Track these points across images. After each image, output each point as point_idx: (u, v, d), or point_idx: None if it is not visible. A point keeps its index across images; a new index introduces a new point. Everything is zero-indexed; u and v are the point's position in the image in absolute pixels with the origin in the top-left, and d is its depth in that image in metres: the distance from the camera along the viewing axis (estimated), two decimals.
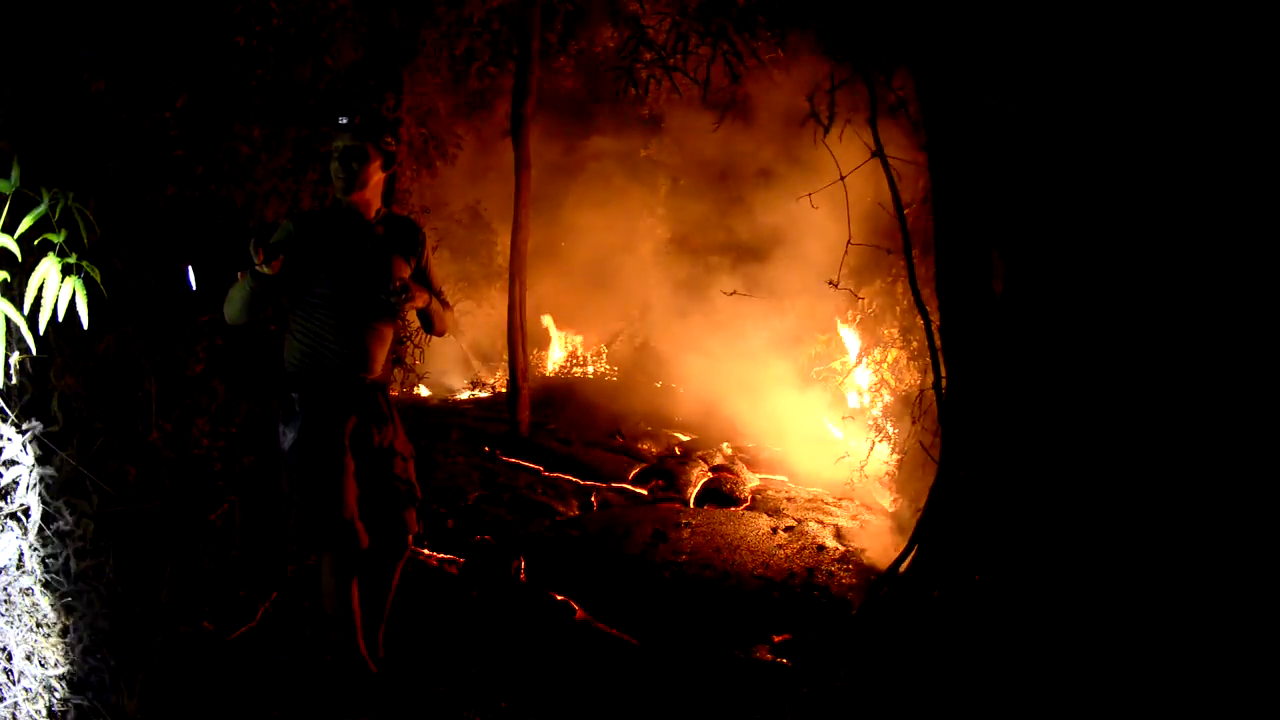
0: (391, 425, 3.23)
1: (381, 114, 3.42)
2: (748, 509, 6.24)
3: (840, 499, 6.45)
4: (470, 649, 3.73)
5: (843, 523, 5.84)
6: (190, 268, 2.93)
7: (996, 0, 3.80)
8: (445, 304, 3.36)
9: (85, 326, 2.68)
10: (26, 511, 2.79)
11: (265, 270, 2.77)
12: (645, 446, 7.72)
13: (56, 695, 2.49)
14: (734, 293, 5.81)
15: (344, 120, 2.96)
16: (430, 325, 3.32)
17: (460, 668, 3.54)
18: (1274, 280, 3.04)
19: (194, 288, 2.94)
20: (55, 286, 2.61)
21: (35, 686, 2.45)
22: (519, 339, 7.45)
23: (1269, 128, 3.05)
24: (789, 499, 6.44)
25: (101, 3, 3.32)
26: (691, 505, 6.37)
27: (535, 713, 3.28)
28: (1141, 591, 3.18)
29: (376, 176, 3.08)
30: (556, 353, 11.41)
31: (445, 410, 8.72)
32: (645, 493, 6.58)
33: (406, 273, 3.16)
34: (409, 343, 6.61)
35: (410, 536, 3.25)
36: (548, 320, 11.31)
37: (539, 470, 6.71)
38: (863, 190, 4.83)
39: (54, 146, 3.09)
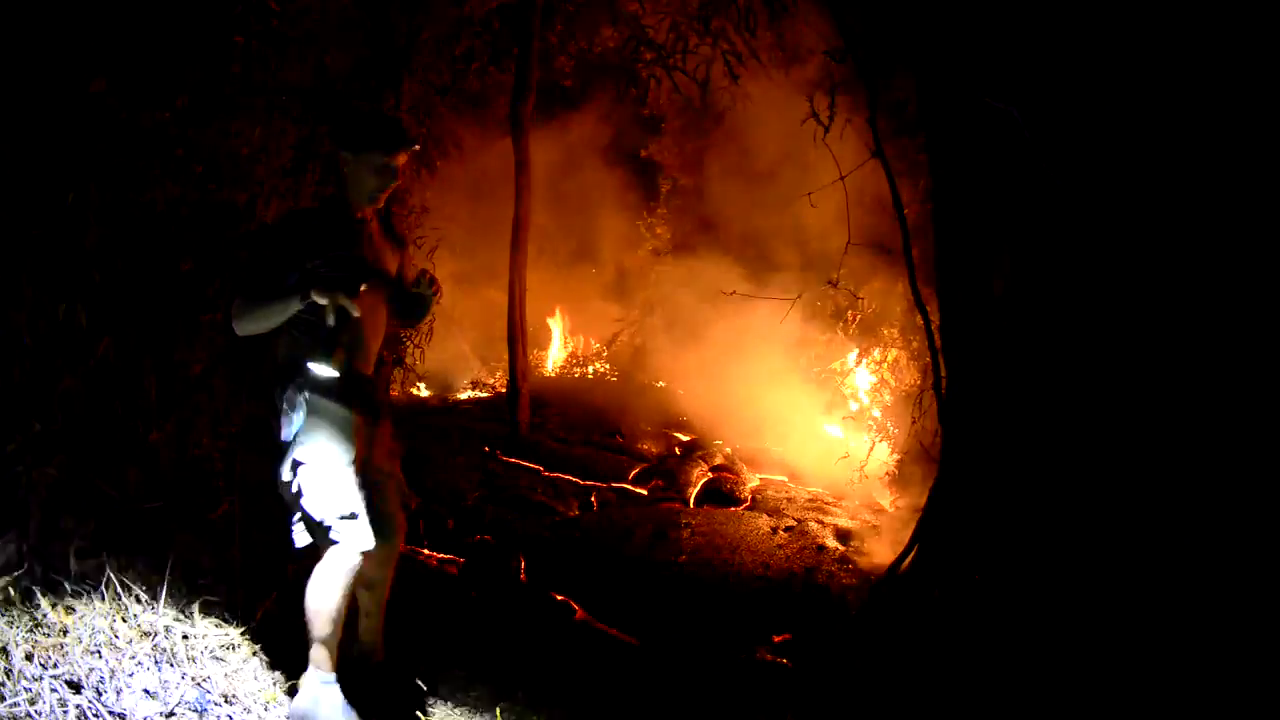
0: (383, 420, 3.27)
1: (403, 124, 3.45)
2: (748, 509, 6.23)
3: (840, 499, 6.45)
4: (470, 649, 3.73)
5: (843, 523, 5.83)
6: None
7: (996, 2, 3.80)
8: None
9: (84, 327, 2.68)
10: (27, 511, 2.79)
11: (354, 312, 2.82)
12: (645, 446, 7.71)
13: (57, 695, 2.49)
14: (734, 292, 5.79)
15: (395, 165, 3.00)
16: (418, 315, 3.37)
17: (460, 668, 3.54)
18: (1274, 280, 3.04)
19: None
20: (55, 287, 2.61)
21: (36, 686, 2.45)
22: (519, 339, 7.44)
23: (1268, 128, 3.05)
24: (789, 499, 6.44)
25: (102, 3, 3.32)
26: (691, 505, 6.36)
27: (535, 713, 3.28)
28: (1140, 590, 3.18)
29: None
30: (556, 353, 11.41)
31: (445, 410, 8.71)
32: (645, 493, 6.57)
33: (395, 267, 3.23)
34: (409, 343, 6.59)
35: (402, 533, 3.27)
36: (550, 321, 11.31)
37: (539, 470, 6.70)
38: (863, 190, 4.83)
39: (54, 146, 3.09)
